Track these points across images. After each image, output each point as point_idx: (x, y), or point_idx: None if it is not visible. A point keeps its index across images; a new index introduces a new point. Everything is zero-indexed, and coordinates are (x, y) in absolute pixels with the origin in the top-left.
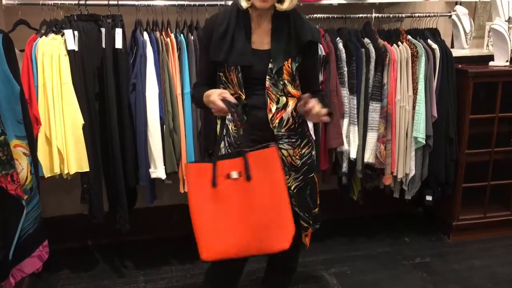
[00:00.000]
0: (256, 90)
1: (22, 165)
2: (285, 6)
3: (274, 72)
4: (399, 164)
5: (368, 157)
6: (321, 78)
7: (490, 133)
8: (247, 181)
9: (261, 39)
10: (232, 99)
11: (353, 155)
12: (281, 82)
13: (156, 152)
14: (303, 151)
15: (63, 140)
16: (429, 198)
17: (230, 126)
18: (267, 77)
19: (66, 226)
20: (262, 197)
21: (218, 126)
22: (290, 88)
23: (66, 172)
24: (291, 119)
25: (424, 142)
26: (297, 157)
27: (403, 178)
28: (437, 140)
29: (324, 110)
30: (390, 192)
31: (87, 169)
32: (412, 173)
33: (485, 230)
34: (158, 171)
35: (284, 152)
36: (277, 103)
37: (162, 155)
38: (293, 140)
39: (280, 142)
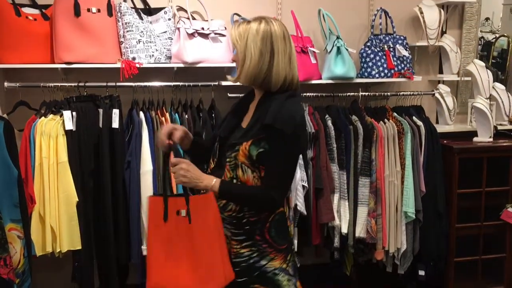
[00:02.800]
0: (224, 163)
1: (16, 249)
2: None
3: (233, 149)
4: (390, 238)
5: (359, 232)
6: (311, 154)
7: (479, 207)
8: (188, 223)
9: (248, 118)
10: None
11: (344, 229)
12: (237, 162)
13: None
14: (242, 250)
15: (56, 218)
16: (421, 273)
17: None
18: (228, 151)
19: None
20: (199, 240)
21: None
22: (241, 172)
23: (58, 250)
24: (233, 207)
25: (414, 216)
26: (233, 251)
27: (395, 253)
28: (427, 215)
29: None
30: (383, 266)
31: (80, 247)
32: (404, 247)
33: None
34: None
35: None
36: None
37: None
38: (232, 231)
39: (224, 223)
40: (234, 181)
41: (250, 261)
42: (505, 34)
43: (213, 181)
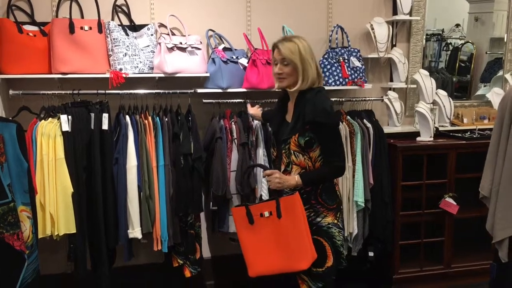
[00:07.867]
0: (281, 152)
1: (26, 226)
2: (293, 88)
3: (286, 142)
4: (344, 224)
5: None
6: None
7: (421, 197)
8: (278, 219)
9: (290, 113)
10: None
11: None
12: (290, 151)
13: (134, 215)
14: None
15: (55, 206)
16: (371, 254)
17: None
18: (282, 144)
19: (50, 285)
20: (289, 230)
21: None
22: (294, 157)
23: (56, 233)
24: None
25: (364, 205)
26: None
27: (348, 237)
28: (374, 204)
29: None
30: None
31: (74, 231)
32: (355, 232)
33: (422, 283)
34: (135, 231)
35: None
36: (287, 166)
37: (139, 217)
38: None
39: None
40: (290, 165)
41: (309, 219)
42: (470, 41)
43: (296, 178)
